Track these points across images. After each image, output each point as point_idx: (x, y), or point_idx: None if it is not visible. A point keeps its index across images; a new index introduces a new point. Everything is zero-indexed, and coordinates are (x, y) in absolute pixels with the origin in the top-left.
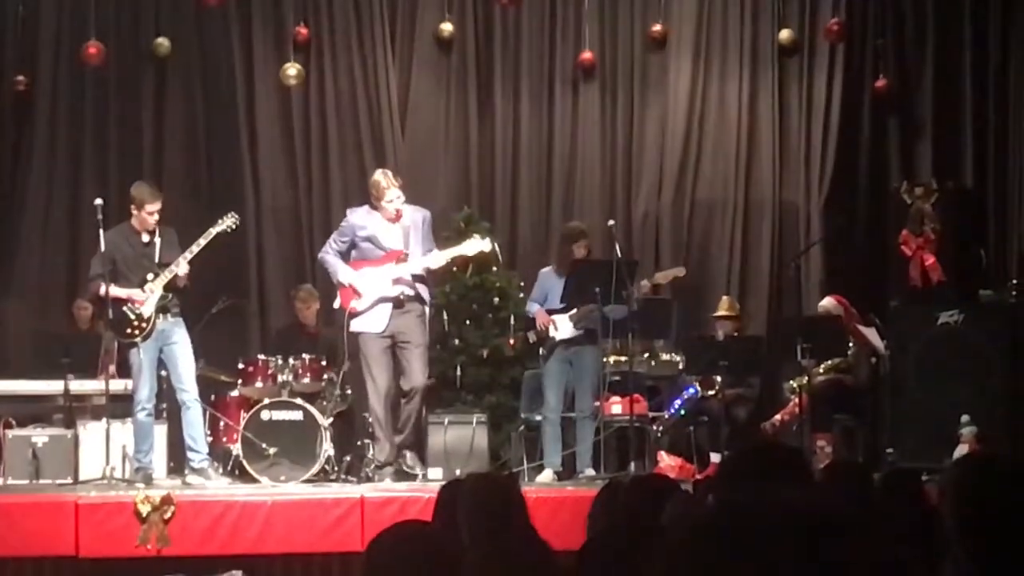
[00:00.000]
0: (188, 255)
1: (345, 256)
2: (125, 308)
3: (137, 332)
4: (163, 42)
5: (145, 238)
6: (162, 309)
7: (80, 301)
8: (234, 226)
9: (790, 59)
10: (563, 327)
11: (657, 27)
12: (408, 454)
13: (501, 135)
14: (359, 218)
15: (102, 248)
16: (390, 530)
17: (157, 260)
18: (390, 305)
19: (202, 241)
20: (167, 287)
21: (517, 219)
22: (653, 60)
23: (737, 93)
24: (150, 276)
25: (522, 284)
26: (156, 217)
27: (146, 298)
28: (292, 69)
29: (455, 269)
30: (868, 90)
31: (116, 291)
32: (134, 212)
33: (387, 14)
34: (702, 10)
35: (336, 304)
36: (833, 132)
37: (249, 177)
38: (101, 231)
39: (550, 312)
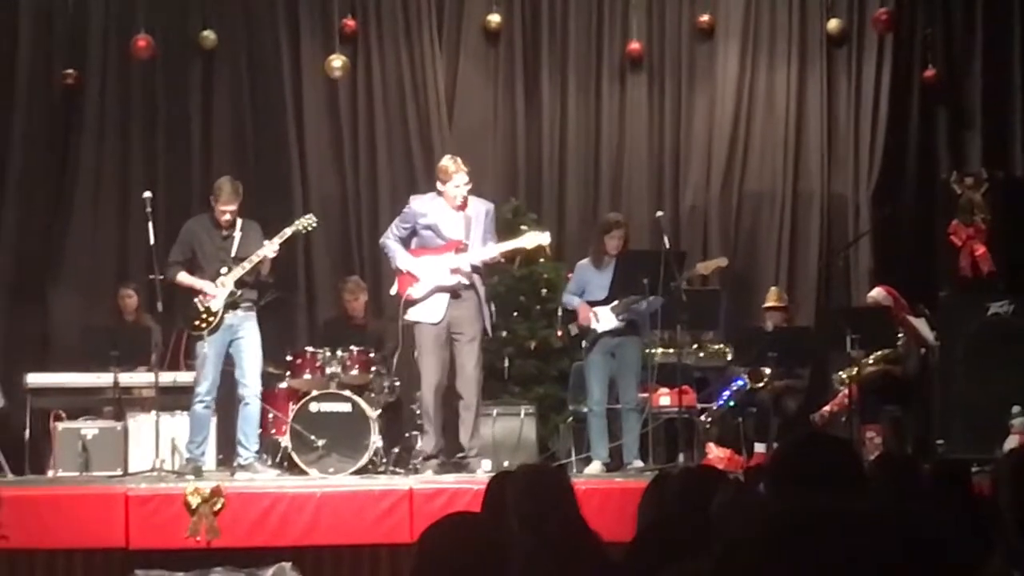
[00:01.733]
0: (270, 249)
1: (406, 243)
2: (196, 300)
3: (204, 325)
4: (210, 35)
5: (224, 231)
6: (231, 304)
7: (124, 290)
8: (311, 227)
9: (838, 49)
10: (605, 319)
11: (705, 17)
12: (483, 462)
13: (548, 126)
14: (421, 205)
15: (152, 240)
16: (441, 522)
17: (234, 254)
18: (447, 295)
19: (276, 240)
20: (238, 283)
21: (564, 210)
22: (701, 50)
23: (785, 83)
24: (224, 270)
25: (569, 276)
26: (228, 217)
27: (217, 292)
28: (337, 61)
29: (503, 261)
30: (917, 80)
31: (190, 280)
32: (212, 203)
33: (434, 5)
34: (750, 0)
35: (393, 291)
36: (882, 122)
37: (297, 169)
38: (150, 223)
39: (590, 304)
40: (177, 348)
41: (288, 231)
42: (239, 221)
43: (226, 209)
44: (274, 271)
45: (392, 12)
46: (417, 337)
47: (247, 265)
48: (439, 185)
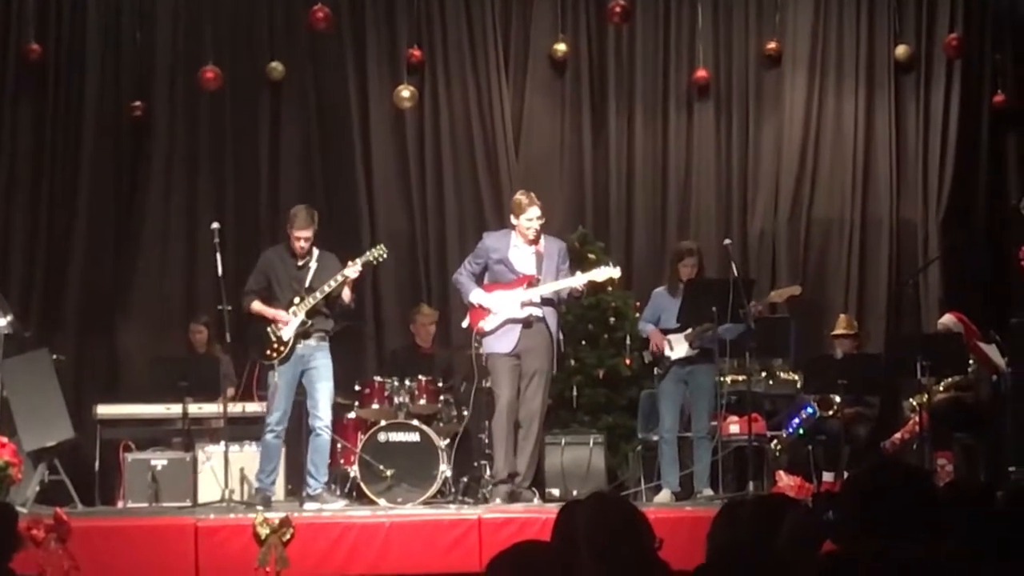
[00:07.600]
0: (339, 279)
1: (479, 279)
2: (269, 328)
3: (275, 354)
4: (277, 66)
5: (300, 261)
6: (303, 334)
7: (195, 325)
8: (382, 258)
9: (907, 75)
10: (678, 347)
11: (771, 44)
12: (525, 492)
13: (615, 154)
14: (494, 240)
15: (220, 272)
16: (510, 550)
17: (307, 284)
18: (519, 326)
19: (358, 262)
20: (310, 312)
21: (632, 239)
22: (768, 77)
23: (853, 110)
24: (296, 299)
25: (637, 304)
26: (303, 244)
27: (289, 320)
28: (406, 91)
29: (577, 295)
30: (986, 105)
31: (264, 309)
32: (288, 231)
33: (500, 35)
34: (817, 26)
35: (464, 324)
36: (951, 148)
37: (364, 199)
38: (218, 255)
39: (664, 332)
40: (251, 379)
41: (359, 261)
42: (315, 252)
43: (300, 235)
44: (354, 298)
45: (458, 43)
46: (490, 366)
47: (319, 295)
48: (512, 219)
